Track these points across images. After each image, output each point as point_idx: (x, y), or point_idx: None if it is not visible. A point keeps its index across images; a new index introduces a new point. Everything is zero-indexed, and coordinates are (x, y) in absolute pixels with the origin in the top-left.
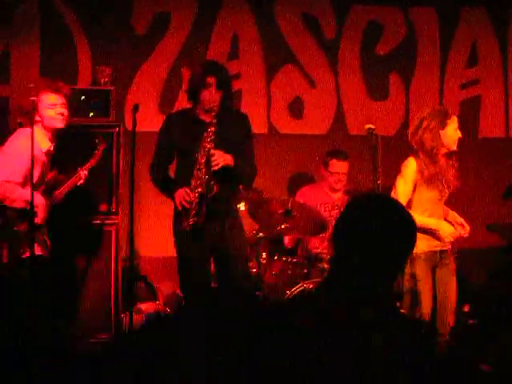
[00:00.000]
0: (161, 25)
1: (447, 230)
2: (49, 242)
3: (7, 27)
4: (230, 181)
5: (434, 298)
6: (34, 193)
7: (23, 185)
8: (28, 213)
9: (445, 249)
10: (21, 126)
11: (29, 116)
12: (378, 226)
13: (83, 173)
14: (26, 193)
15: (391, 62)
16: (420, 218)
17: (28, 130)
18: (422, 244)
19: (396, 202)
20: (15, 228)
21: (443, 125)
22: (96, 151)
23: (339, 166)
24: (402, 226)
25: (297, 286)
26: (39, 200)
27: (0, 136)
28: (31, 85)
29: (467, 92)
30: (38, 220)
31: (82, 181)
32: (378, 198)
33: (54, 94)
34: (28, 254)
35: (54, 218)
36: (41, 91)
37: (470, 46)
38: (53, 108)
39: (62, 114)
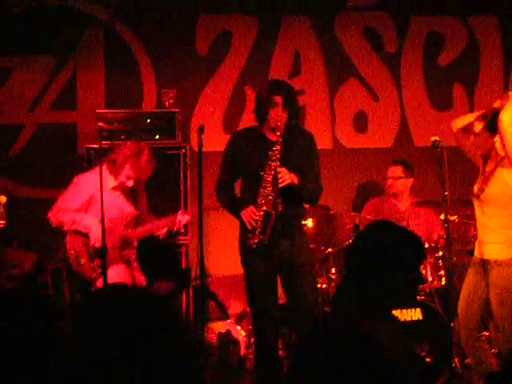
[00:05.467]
0: (223, 45)
1: None
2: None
3: (73, 53)
4: (295, 199)
5: None
6: (89, 216)
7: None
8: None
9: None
10: (87, 152)
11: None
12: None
13: (162, 230)
14: (78, 215)
15: (454, 71)
16: None
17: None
18: None
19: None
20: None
21: None
22: (173, 218)
23: (390, 171)
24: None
25: None
26: (93, 223)
27: (68, 160)
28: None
29: None
30: (91, 242)
31: (163, 235)
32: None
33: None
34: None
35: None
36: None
37: None
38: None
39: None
